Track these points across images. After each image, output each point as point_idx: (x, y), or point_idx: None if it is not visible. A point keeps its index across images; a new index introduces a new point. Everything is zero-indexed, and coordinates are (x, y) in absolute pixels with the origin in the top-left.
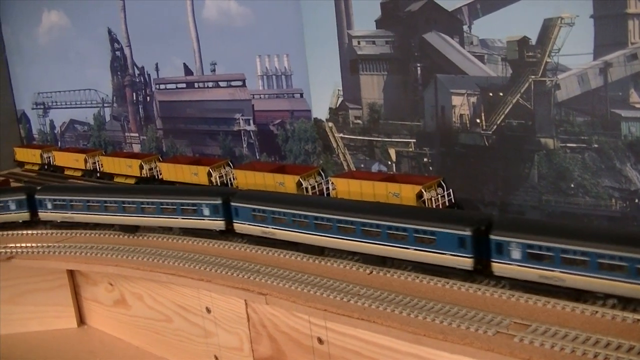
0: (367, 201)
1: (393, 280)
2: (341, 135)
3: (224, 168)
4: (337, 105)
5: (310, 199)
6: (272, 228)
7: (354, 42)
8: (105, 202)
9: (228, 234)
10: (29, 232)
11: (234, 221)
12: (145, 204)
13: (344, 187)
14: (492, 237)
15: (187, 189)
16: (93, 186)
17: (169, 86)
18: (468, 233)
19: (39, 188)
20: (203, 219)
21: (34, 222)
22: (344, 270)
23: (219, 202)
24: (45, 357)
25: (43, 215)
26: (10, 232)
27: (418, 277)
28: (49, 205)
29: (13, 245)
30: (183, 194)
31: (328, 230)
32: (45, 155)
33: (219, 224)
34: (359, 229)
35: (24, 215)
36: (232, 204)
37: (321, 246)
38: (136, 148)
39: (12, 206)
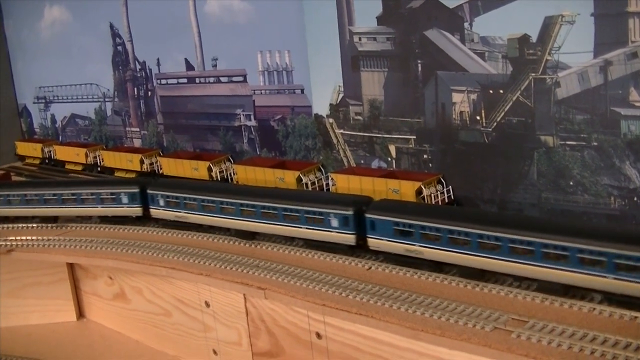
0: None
1: (391, 275)
2: (341, 131)
3: (225, 163)
4: (338, 102)
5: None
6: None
7: (355, 38)
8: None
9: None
10: (28, 225)
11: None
12: (265, 209)
13: (343, 183)
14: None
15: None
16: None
17: (170, 81)
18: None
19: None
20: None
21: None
22: (343, 265)
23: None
24: (45, 350)
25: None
26: (10, 225)
27: (417, 273)
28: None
29: (13, 238)
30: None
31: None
32: (46, 150)
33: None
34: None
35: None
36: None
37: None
38: (137, 143)
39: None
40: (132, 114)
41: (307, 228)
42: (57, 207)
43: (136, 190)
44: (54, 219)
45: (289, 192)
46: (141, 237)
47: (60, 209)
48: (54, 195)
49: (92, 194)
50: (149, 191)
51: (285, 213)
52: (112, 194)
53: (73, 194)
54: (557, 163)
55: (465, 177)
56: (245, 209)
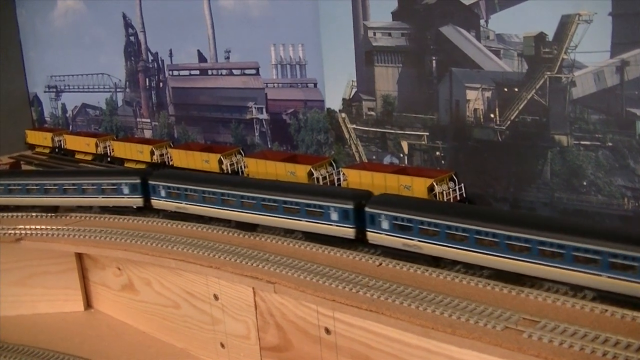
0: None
1: (402, 272)
2: (354, 126)
3: (235, 156)
4: (351, 96)
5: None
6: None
7: (370, 33)
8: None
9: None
10: (38, 214)
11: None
12: (266, 201)
13: (355, 178)
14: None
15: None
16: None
17: (182, 73)
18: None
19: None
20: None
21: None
22: (354, 261)
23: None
24: (53, 340)
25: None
26: (19, 214)
27: (427, 270)
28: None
29: (22, 227)
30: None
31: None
32: (56, 139)
33: (137, 200)
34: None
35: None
36: (150, 182)
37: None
38: (147, 134)
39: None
40: (143, 104)
41: (306, 221)
42: (57, 197)
43: (137, 180)
44: (54, 209)
45: (289, 185)
46: (150, 229)
47: (61, 199)
48: (55, 185)
49: (93, 184)
50: (150, 182)
51: (286, 206)
52: (113, 184)
53: (74, 184)
54: (570, 163)
55: (477, 175)
56: (246, 200)
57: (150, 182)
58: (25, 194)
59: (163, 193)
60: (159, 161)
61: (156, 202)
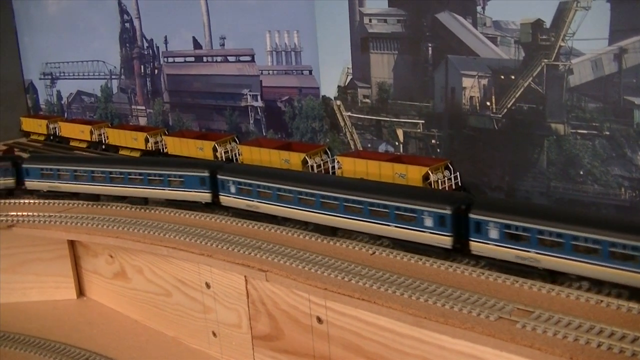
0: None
1: (395, 261)
2: (349, 114)
3: (230, 143)
4: (346, 84)
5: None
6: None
7: (365, 19)
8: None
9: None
10: (30, 201)
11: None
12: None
13: (350, 167)
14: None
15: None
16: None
17: (177, 59)
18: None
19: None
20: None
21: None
22: (347, 250)
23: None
24: (44, 327)
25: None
26: (10, 201)
27: (421, 259)
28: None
29: (14, 213)
30: None
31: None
32: (51, 126)
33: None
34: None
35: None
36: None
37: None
38: (142, 121)
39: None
40: (138, 91)
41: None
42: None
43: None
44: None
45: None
46: (142, 216)
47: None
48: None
49: (160, 174)
50: (219, 176)
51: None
52: (179, 176)
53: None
54: (567, 152)
55: (473, 163)
56: (304, 197)
57: (219, 176)
58: (114, 183)
59: (233, 189)
60: (154, 149)
61: (225, 199)
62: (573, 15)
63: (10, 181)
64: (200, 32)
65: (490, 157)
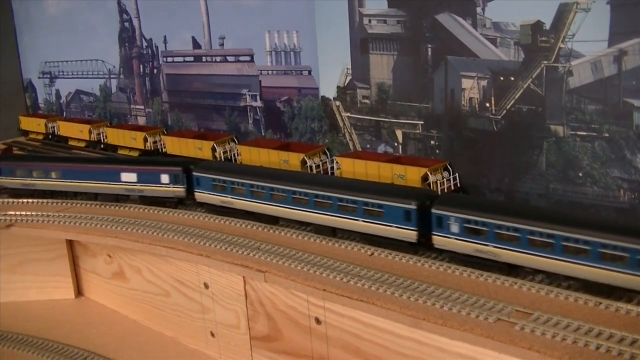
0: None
1: (394, 262)
2: (348, 114)
3: (229, 143)
4: (345, 84)
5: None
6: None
7: (365, 20)
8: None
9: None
10: (28, 200)
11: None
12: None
13: (349, 167)
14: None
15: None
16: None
17: (176, 59)
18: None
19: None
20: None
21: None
22: (345, 251)
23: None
24: (43, 327)
25: None
26: (10, 200)
27: (419, 261)
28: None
29: (13, 213)
30: None
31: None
32: (50, 125)
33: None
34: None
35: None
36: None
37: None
38: (141, 120)
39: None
40: (137, 91)
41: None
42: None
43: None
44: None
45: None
46: (141, 216)
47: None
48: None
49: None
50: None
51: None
52: None
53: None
54: (566, 153)
55: (472, 164)
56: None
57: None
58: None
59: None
60: (152, 148)
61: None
62: (573, 17)
63: (180, 189)
64: (200, 31)
65: (489, 159)
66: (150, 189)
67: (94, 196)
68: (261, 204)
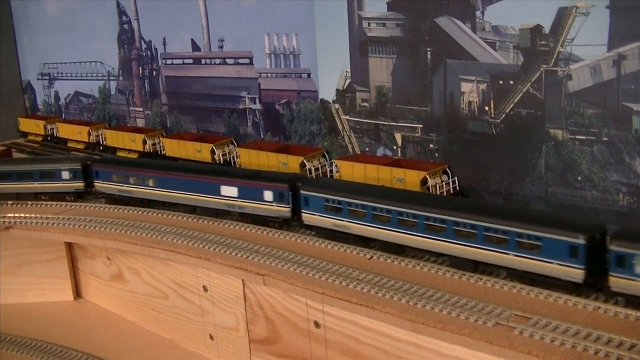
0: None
1: (393, 266)
2: (347, 117)
3: (228, 146)
4: (345, 87)
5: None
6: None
7: (364, 23)
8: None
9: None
10: (27, 203)
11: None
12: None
13: (348, 170)
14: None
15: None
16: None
17: (175, 61)
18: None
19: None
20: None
21: None
22: (344, 254)
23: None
24: (41, 329)
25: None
26: (9, 202)
27: (419, 264)
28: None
29: (12, 215)
30: None
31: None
32: (49, 127)
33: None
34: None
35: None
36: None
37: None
38: (140, 123)
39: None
40: (136, 93)
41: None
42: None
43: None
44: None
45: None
46: (140, 218)
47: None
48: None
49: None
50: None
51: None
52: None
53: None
54: (565, 157)
55: (471, 168)
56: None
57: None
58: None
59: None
60: (152, 150)
61: (307, 217)
62: (572, 21)
63: (285, 209)
64: (199, 34)
65: (488, 162)
66: (252, 206)
67: (193, 209)
68: (384, 229)
